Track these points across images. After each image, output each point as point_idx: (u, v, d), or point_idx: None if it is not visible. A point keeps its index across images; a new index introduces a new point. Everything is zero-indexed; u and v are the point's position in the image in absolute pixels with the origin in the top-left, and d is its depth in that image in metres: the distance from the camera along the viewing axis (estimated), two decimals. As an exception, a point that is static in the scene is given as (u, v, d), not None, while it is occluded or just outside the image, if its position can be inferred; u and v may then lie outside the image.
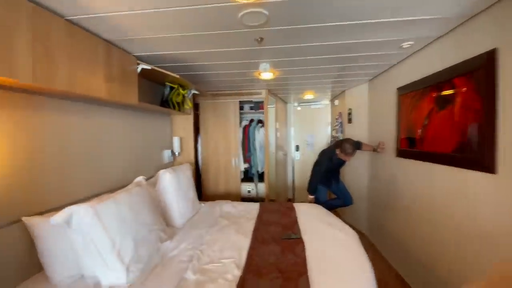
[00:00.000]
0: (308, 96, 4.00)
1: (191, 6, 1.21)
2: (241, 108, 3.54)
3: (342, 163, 2.83)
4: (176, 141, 2.93)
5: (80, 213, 1.28)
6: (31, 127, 1.35)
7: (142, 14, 1.28)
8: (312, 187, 2.86)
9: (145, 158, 2.44)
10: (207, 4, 1.20)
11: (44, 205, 1.41)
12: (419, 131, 1.95)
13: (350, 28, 1.51)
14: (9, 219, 1.23)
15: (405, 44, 1.82)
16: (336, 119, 4.00)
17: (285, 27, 1.48)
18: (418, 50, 1.96)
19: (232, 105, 3.31)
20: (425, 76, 1.87)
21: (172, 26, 1.43)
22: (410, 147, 2.10)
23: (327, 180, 2.93)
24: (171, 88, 2.63)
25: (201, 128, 3.38)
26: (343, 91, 3.71)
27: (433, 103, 1.78)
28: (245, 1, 1.15)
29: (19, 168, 1.28)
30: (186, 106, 2.85)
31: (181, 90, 2.72)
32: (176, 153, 2.95)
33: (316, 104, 4.82)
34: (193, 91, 2.95)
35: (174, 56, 1.95)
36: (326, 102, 4.77)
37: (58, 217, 1.24)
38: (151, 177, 2.38)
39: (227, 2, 1.19)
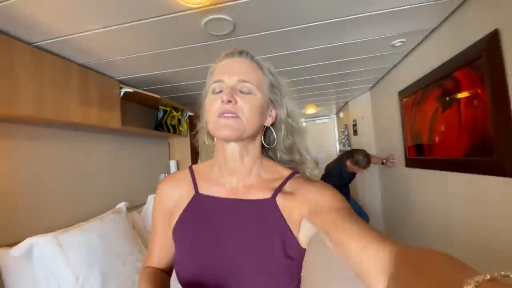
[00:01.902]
0: (311, 110, 3.85)
1: (150, 19, 1.17)
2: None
3: (352, 177, 2.58)
4: (172, 165, 2.86)
5: (40, 244, 1.17)
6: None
7: (103, 33, 1.25)
8: None
9: (138, 183, 2.36)
10: (165, 15, 1.15)
11: (16, 236, 1.32)
12: (426, 136, 1.72)
13: (331, 27, 1.39)
14: (-33, 254, 1.15)
15: (397, 42, 1.66)
16: (342, 131, 3.79)
17: (257, 34, 1.40)
18: (414, 49, 1.80)
19: (230, 124, 3.24)
20: (424, 74, 1.69)
21: (139, 43, 1.40)
22: (419, 155, 1.86)
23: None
24: (165, 112, 2.61)
25: (200, 151, 3.31)
26: (346, 103, 3.54)
27: (436, 103, 1.57)
28: (193, 4, 1.08)
29: (-18, 199, 1.22)
30: (181, 128, 2.81)
31: (174, 113, 2.69)
32: (173, 177, 2.86)
33: (321, 119, 4.65)
34: (189, 113, 2.93)
35: (156, 78, 1.93)
36: (332, 116, 4.59)
37: (17, 249, 1.14)
38: (144, 204, 2.29)
39: (184, 11, 1.13)
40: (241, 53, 0.54)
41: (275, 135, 0.57)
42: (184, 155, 2.95)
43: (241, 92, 0.50)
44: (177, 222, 0.55)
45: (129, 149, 2.29)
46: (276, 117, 0.57)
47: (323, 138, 4.62)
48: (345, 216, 0.43)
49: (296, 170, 0.58)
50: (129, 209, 2.07)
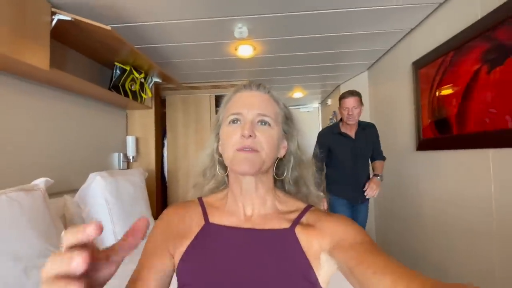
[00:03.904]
0: (297, 94, 3.48)
1: None
2: (219, 104, 2.96)
3: (359, 145, 1.84)
4: (130, 141, 2.26)
5: None
6: None
7: None
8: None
9: (79, 161, 1.74)
10: None
11: None
12: (456, 108, 1.41)
13: None
14: None
15: (431, -13, 1.33)
16: (330, 119, 3.48)
17: None
18: (443, 4, 1.48)
19: (206, 99, 2.72)
20: (458, 31, 1.36)
21: None
22: (441, 133, 1.54)
23: (348, 189, 1.86)
24: (123, 71, 2.02)
25: (168, 129, 2.74)
26: (337, 87, 3.22)
27: (479, 63, 1.25)
28: None
29: None
30: (144, 96, 2.23)
31: (136, 74, 2.11)
32: (130, 157, 2.26)
33: (305, 107, 4.32)
34: (155, 79, 2.35)
35: (108, 2, 1.36)
36: (315, 104, 4.29)
37: None
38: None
39: None
40: (258, 86, 0.55)
41: (285, 166, 0.58)
42: (146, 131, 2.37)
43: (259, 124, 0.51)
44: (185, 252, 0.50)
45: (68, 111, 1.67)
46: (287, 149, 0.58)
47: (307, 129, 4.27)
48: (368, 250, 0.41)
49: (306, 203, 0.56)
50: (61, 193, 1.48)
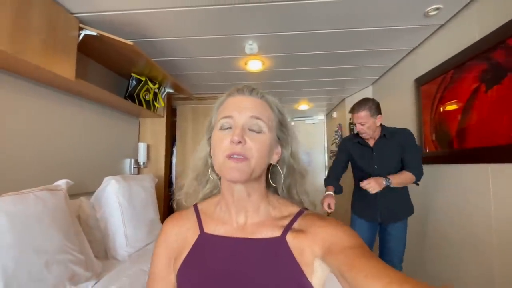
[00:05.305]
0: (303, 106, 3.57)
1: None
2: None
3: (379, 157, 1.58)
4: (141, 148, 2.35)
5: None
6: None
7: None
8: (328, 177, 1.78)
9: (94, 165, 1.83)
10: None
11: None
12: (456, 124, 1.46)
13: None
14: None
15: (432, 10, 1.41)
16: (336, 131, 3.54)
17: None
18: (443, 25, 1.56)
19: (215, 110, 2.82)
20: (458, 51, 1.44)
21: None
22: (443, 148, 1.59)
23: (367, 207, 1.66)
24: (138, 82, 2.14)
25: (178, 137, 2.83)
26: (343, 100, 3.30)
27: (477, 82, 1.32)
28: None
29: None
30: (157, 105, 2.34)
31: (150, 85, 2.23)
32: (141, 163, 2.35)
33: (311, 119, 4.39)
34: (168, 90, 2.47)
35: (130, 19, 1.48)
36: (321, 117, 4.36)
37: None
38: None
39: None
40: (251, 91, 0.53)
41: (279, 173, 0.57)
42: (157, 139, 2.46)
43: (251, 130, 0.49)
44: (182, 264, 0.52)
45: (87, 119, 1.78)
46: (280, 155, 0.56)
47: (312, 141, 4.34)
48: (360, 254, 0.41)
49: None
50: (77, 195, 1.56)
